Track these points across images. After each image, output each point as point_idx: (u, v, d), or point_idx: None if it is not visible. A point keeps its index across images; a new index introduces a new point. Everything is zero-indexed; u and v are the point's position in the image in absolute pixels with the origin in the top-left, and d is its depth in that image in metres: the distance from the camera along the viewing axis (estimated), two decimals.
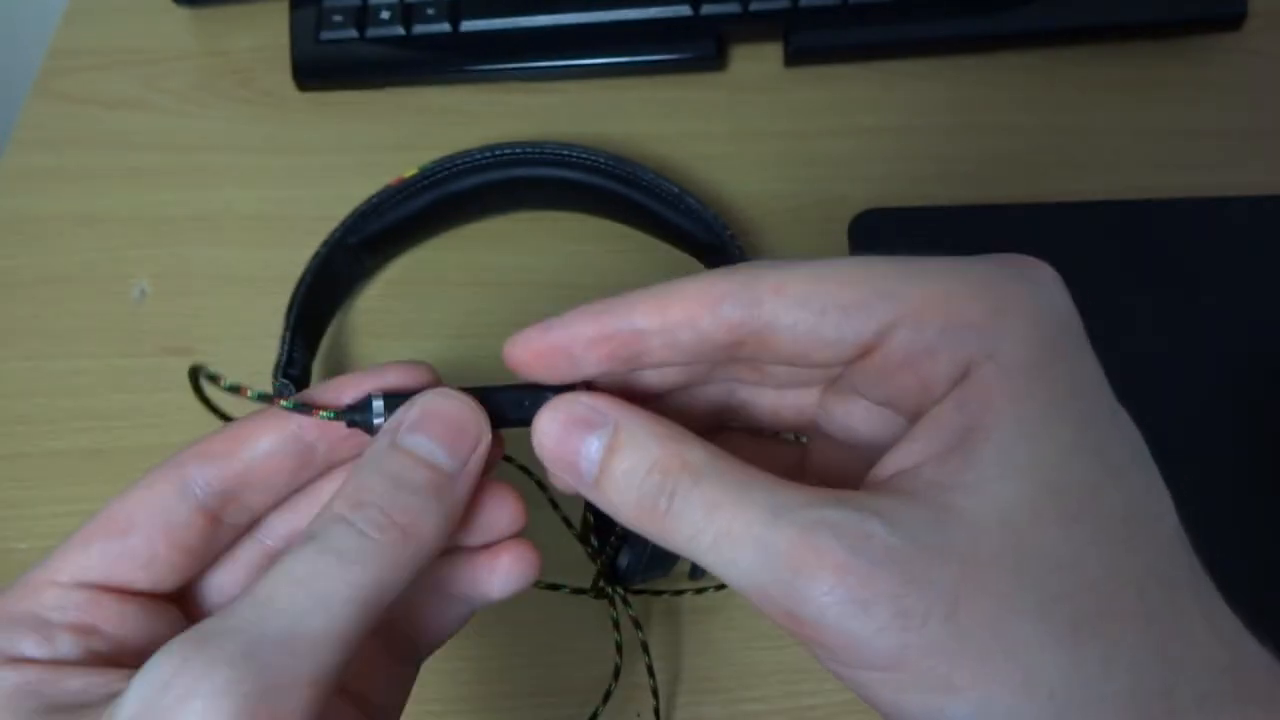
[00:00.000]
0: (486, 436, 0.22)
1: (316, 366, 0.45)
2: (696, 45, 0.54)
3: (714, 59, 0.54)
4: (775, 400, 0.24)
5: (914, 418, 0.21)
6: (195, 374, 0.24)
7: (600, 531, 0.37)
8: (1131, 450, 0.20)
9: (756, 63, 0.55)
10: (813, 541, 0.18)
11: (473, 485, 0.22)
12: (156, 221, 0.51)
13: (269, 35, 0.56)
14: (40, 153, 0.53)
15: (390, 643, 0.24)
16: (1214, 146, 0.52)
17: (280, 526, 0.24)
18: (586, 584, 0.37)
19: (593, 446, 0.21)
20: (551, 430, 0.21)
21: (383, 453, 0.21)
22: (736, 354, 0.21)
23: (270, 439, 0.22)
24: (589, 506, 0.38)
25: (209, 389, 0.24)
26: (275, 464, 0.22)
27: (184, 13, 0.58)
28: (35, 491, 0.43)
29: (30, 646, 0.20)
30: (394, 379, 0.22)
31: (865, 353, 0.20)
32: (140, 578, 0.21)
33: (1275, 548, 0.39)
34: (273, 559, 0.22)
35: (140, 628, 0.21)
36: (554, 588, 0.37)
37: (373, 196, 0.45)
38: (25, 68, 0.57)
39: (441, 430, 0.21)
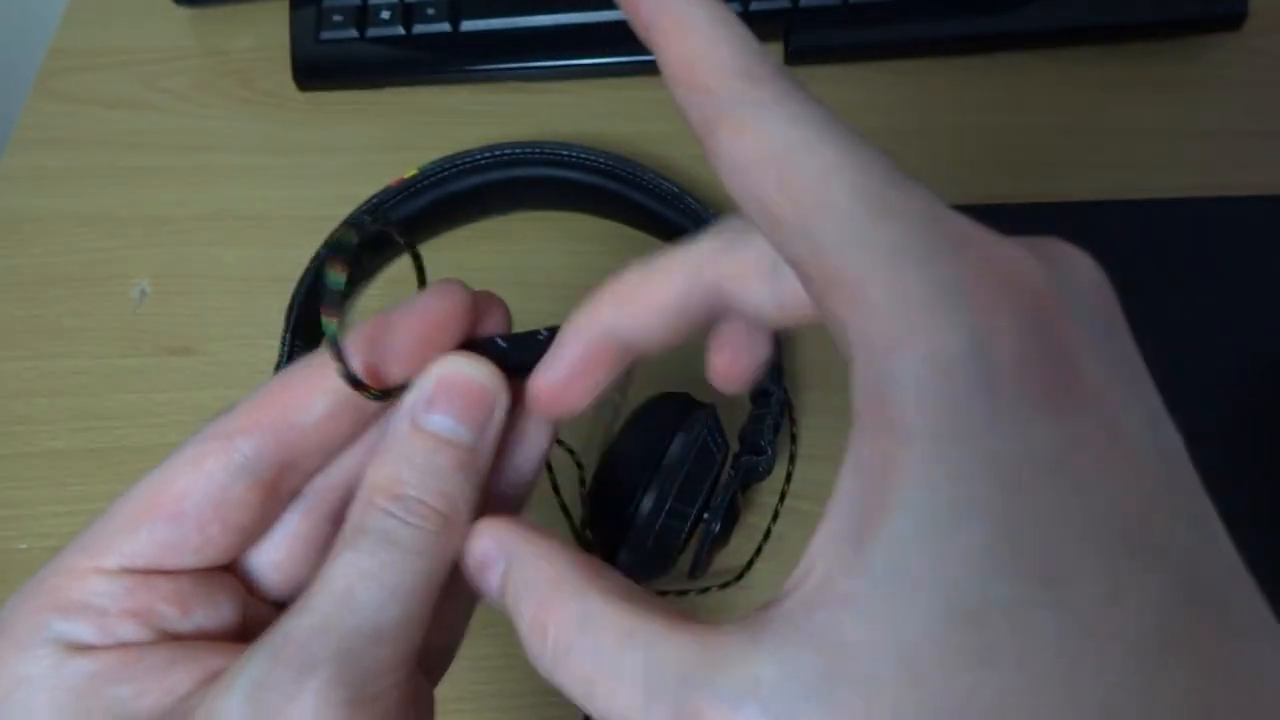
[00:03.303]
0: (503, 398, 0.21)
1: None
2: None
3: None
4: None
5: None
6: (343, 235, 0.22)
7: (596, 527, 0.37)
8: (1091, 544, 0.14)
9: None
10: None
11: (493, 450, 0.21)
12: (156, 221, 0.51)
13: (269, 35, 0.56)
14: (40, 153, 0.53)
15: (447, 589, 0.23)
16: (1214, 146, 0.52)
17: (319, 482, 0.22)
18: None
19: (492, 583, 0.20)
20: (467, 563, 0.21)
21: (406, 437, 0.20)
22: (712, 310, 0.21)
23: (325, 400, 0.21)
24: (589, 502, 0.38)
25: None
26: (333, 426, 0.21)
27: (184, 13, 0.58)
28: (35, 491, 0.43)
29: (90, 634, 0.19)
30: (435, 311, 0.21)
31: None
32: (192, 560, 0.20)
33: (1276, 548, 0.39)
34: (311, 518, 0.22)
35: (200, 600, 0.20)
36: None
37: (373, 197, 0.45)
38: (25, 68, 0.57)
39: (459, 405, 0.20)
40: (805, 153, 0.16)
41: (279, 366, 0.41)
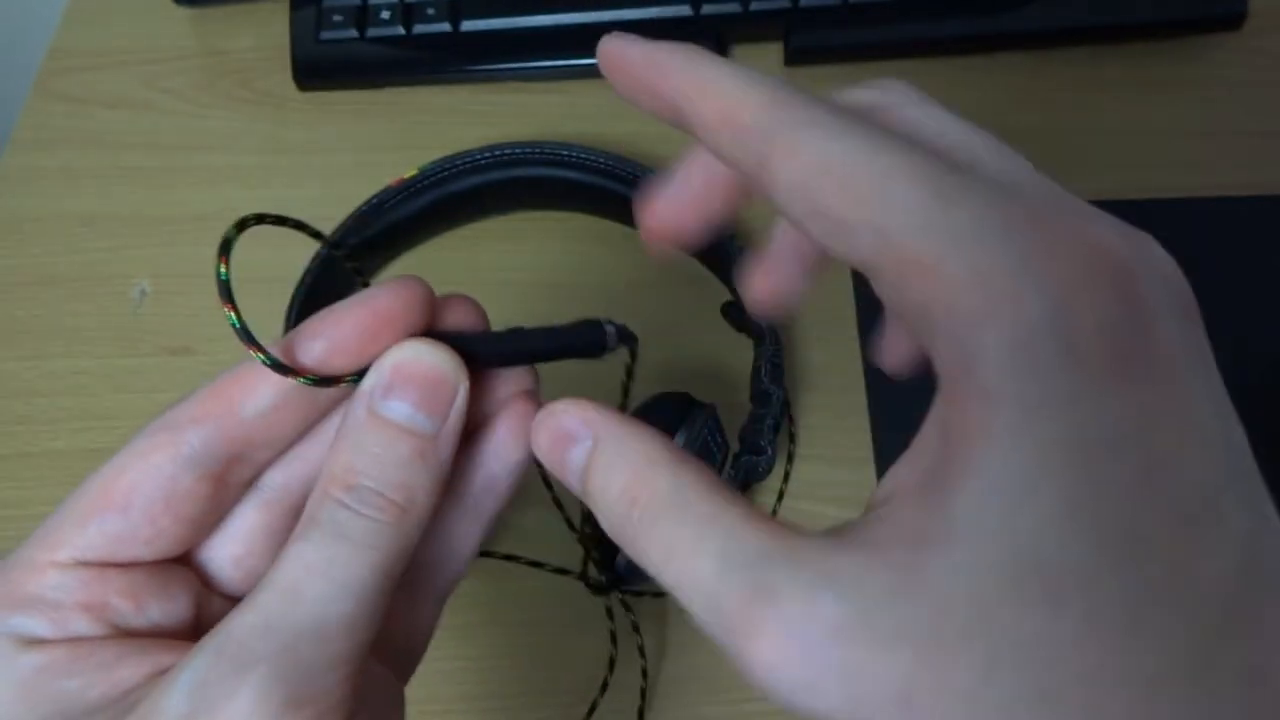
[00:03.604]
0: (463, 385, 0.20)
1: None
2: (697, 45, 0.54)
3: None
4: None
5: None
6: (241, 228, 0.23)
7: (595, 526, 0.38)
8: (1170, 513, 0.15)
9: (756, 63, 0.55)
10: (755, 612, 0.16)
11: (456, 437, 0.21)
12: (156, 221, 0.51)
13: (269, 35, 0.57)
14: (40, 153, 0.53)
15: (412, 586, 0.23)
16: (1214, 146, 0.52)
17: (276, 476, 0.22)
18: (586, 585, 0.37)
19: (576, 460, 0.20)
20: (541, 439, 0.21)
21: (362, 424, 0.20)
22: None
23: (271, 390, 0.20)
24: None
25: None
26: (281, 417, 0.21)
27: (184, 13, 0.58)
28: (35, 491, 0.43)
29: (44, 628, 0.19)
30: (385, 303, 0.21)
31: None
32: (144, 552, 0.20)
33: None
34: (272, 511, 0.22)
35: (152, 593, 0.20)
36: (536, 565, 0.37)
37: (373, 197, 0.45)
38: (25, 68, 0.57)
39: (416, 391, 0.20)
40: (861, 158, 0.17)
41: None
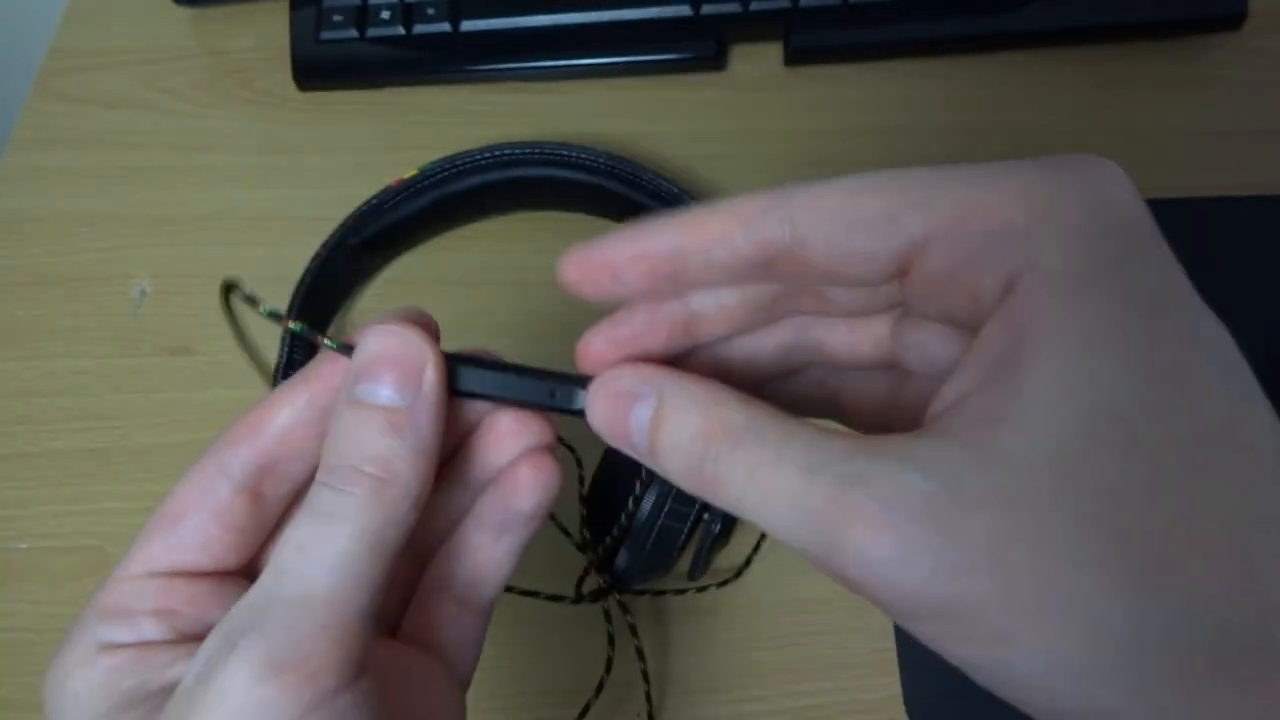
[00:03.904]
0: (431, 360, 0.22)
1: None
2: (696, 45, 0.54)
3: (714, 59, 0.54)
4: (849, 334, 0.24)
5: (977, 332, 0.19)
6: (228, 290, 0.25)
7: (596, 527, 0.37)
8: (1217, 367, 0.17)
9: (756, 63, 0.55)
10: (847, 499, 0.17)
11: (435, 409, 0.22)
12: (156, 221, 0.51)
13: (269, 35, 0.57)
14: (40, 153, 0.53)
15: (456, 592, 0.25)
16: (1214, 146, 0.52)
17: None
18: (587, 585, 0.37)
19: (642, 417, 0.21)
20: (601, 405, 0.22)
21: (341, 411, 0.22)
22: (774, 274, 0.21)
23: (288, 410, 0.23)
24: (586, 501, 0.38)
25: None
26: (300, 432, 0.23)
27: (184, 13, 0.58)
28: (35, 491, 0.43)
29: (119, 633, 0.22)
30: (392, 345, 0.23)
31: (904, 268, 0.20)
32: (203, 559, 0.23)
33: None
34: None
35: (215, 603, 0.23)
36: (530, 594, 0.37)
37: (373, 197, 0.45)
38: (25, 68, 0.57)
39: (386, 370, 0.22)
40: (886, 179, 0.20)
41: (278, 366, 0.41)
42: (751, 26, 0.54)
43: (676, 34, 0.54)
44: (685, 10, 0.53)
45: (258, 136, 0.54)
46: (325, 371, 0.23)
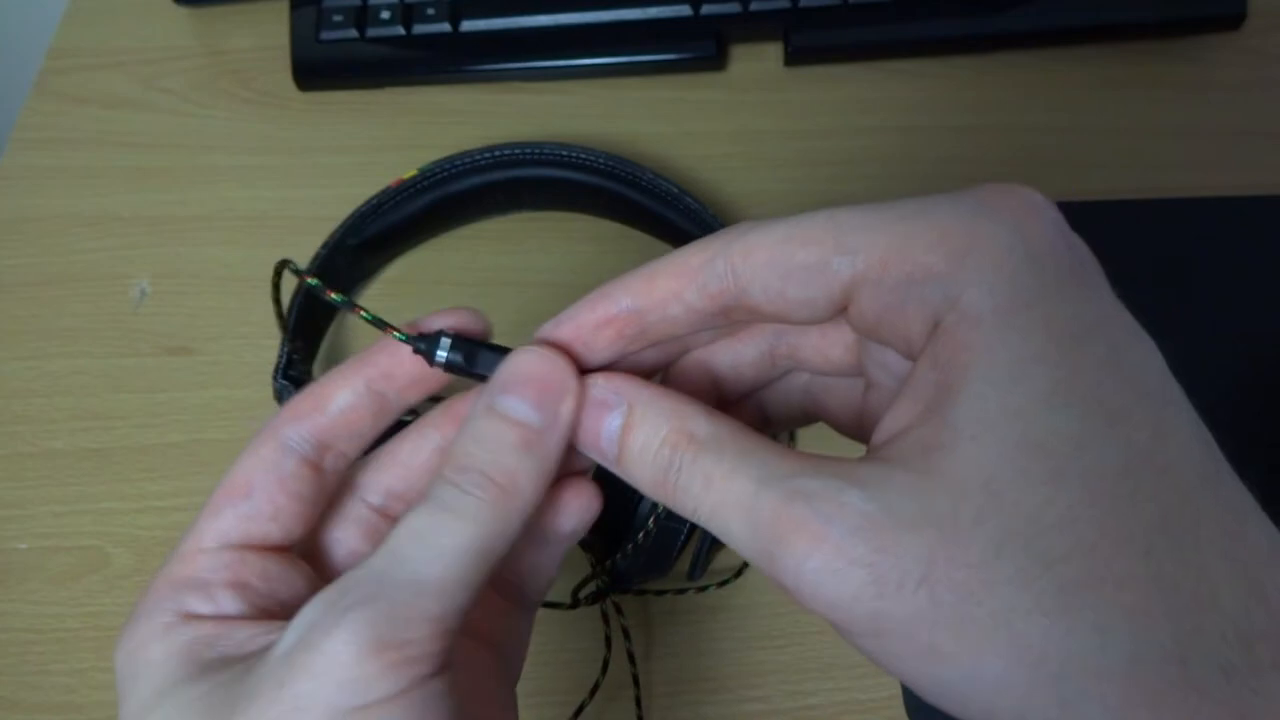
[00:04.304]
0: (573, 388, 0.23)
1: (316, 368, 0.45)
2: (696, 45, 0.54)
3: (714, 59, 0.54)
4: (820, 338, 0.25)
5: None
6: (280, 269, 0.27)
7: (596, 527, 0.38)
8: (1138, 391, 0.18)
9: (756, 63, 0.55)
10: (790, 511, 0.19)
11: (566, 436, 0.23)
12: (156, 221, 0.51)
13: (269, 35, 0.57)
14: (40, 153, 0.53)
15: (504, 590, 0.26)
16: (1214, 146, 0.52)
17: (377, 484, 0.26)
18: (585, 587, 0.37)
19: (612, 425, 0.22)
20: (571, 410, 0.23)
21: (480, 417, 0.22)
22: (732, 317, 0.22)
23: (346, 393, 0.24)
24: None
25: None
26: (356, 414, 0.24)
27: (184, 13, 0.58)
28: (35, 491, 0.43)
29: (198, 604, 0.22)
30: (453, 320, 0.24)
31: (843, 306, 0.21)
32: (272, 530, 0.24)
33: None
34: (378, 515, 0.26)
35: (283, 580, 0.24)
36: (550, 605, 0.37)
37: (373, 197, 0.45)
38: (25, 68, 0.57)
39: (530, 390, 0.22)
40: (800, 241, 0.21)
41: (278, 367, 0.41)
42: (751, 26, 0.54)
43: (676, 34, 0.54)
44: (685, 10, 0.53)
45: (257, 136, 0.54)
46: (383, 360, 0.24)
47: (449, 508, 0.21)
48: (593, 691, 0.36)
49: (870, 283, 0.20)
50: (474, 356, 0.24)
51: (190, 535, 0.24)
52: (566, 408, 0.23)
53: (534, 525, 0.26)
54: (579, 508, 0.25)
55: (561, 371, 0.23)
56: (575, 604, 0.36)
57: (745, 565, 0.40)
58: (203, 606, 0.23)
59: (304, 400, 0.25)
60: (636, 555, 0.36)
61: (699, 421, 0.21)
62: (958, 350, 0.19)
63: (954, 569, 0.17)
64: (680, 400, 0.22)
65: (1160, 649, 0.17)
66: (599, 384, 0.23)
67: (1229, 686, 0.17)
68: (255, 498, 0.24)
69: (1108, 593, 0.17)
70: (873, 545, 0.18)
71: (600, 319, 0.23)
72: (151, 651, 0.22)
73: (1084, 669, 0.17)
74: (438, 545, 0.21)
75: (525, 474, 0.22)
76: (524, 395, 0.22)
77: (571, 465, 0.25)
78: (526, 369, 0.23)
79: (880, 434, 0.20)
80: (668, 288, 0.22)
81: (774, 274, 0.21)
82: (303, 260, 0.44)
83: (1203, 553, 0.17)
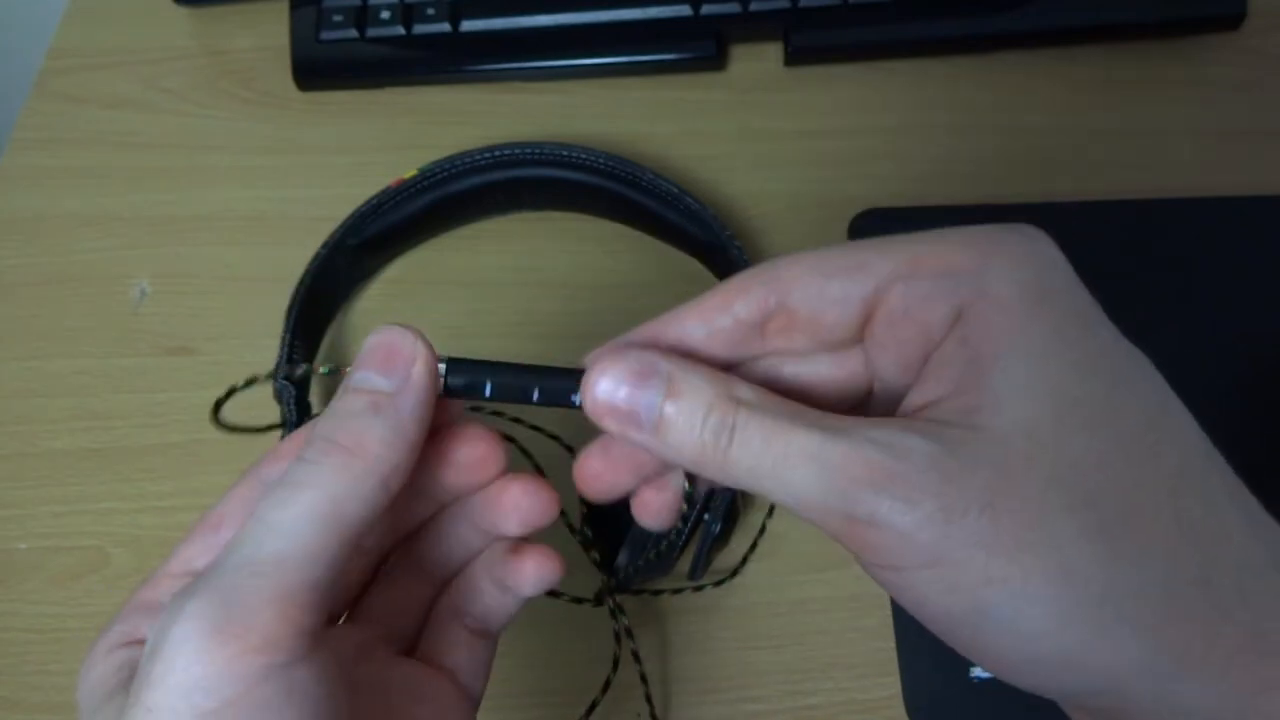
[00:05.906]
0: (421, 354, 0.23)
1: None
2: (696, 45, 0.54)
3: (714, 59, 0.54)
4: (819, 300, 0.25)
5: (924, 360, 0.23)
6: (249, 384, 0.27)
7: (596, 527, 0.37)
8: (1142, 374, 0.21)
9: (756, 63, 0.55)
10: (863, 455, 0.20)
11: (420, 400, 0.23)
12: (156, 221, 0.51)
13: (269, 35, 0.57)
14: (40, 153, 0.53)
15: (467, 621, 0.27)
16: (1214, 146, 0.52)
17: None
18: (585, 587, 0.37)
19: (650, 395, 0.22)
20: (607, 384, 0.22)
21: (335, 399, 0.23)
22: (768, 331, 0.23)
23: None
24: (588, 502, 0.38)
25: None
26: None
27: (184, 13, 0.58)
28: (35, 491, 0.43)
29: (146, 628, 0.23)
30: (390, 338, 0.24)
31: (871, 310, 0.23)
32: None
33: None
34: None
35: None
36: (553, 595, 0.37)
37: (372, 198, 0.45)
38: (25, 68, 0.57)
39: (376, 359, 0.23)
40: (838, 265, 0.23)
41: (278, 367, 0.41)
42: (751, 26, 0.54)
43: (676, 34, 0.54)
44: (685, 10, 0.53)
45: (257, 136, 0.54)
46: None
47: (289, 482, 0.21)
48: (604, 688, 0.36)
49: (903, 277, 0.22)
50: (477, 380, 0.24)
51: (166, 562, 0.24)
52: (418, 370, 0.23)
53: (493, 568, 0.27)
54: (538, 577, 0.26)
55: (408, 339, 0.23)
56: (599, 601, 0.37)
57: (742, 563, 0.40)
58: (147, 630, 0.23)
59: (288, 443, 0.25)
60: (638, 552, 0.36)
61: (742, 387, 0.22)
62: (988, 330, 0.21)
63: (1011, 500, 0.19)
64: (714, 370, 0.23)
65: (1186, 575, 0.19)
66: (634, 354, 0.23)
67: (1244, 607, 0.19)
68: (223, 530, 0.24)
69: (1142, 525, 0.20)
70: (941, 479, 0.20)
71: (653, 335, 0.24)
72: (94, 671, 0.22)
73: (1125, 591, 0.19)
74: (275, 520, 0.21)
75: (373, 434, 0.22)
76: (370, 365, 0.23)
77: (479, 462, 0.25)
78: (372, 343, 0.23)
79: (906, 408, 0.22)
80: (721, 302, 0.23)
81: (818, 273, 0.22)
82: (302, 260, 0.44)
83: (1215, 495, 0.20)
